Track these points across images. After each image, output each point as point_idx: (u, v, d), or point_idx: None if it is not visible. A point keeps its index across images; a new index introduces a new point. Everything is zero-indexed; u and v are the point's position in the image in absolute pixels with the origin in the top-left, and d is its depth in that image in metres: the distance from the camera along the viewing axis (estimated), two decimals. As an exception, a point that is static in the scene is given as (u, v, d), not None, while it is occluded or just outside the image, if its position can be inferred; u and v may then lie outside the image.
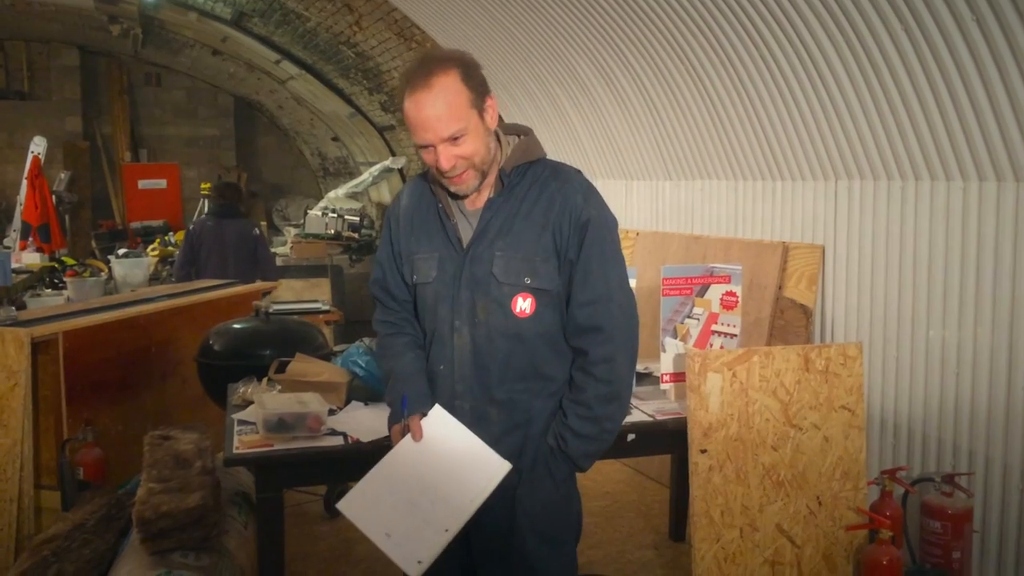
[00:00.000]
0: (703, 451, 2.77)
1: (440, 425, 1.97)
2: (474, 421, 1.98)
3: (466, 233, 2.01)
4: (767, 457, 2.82)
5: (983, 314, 2.96)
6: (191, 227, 6.23)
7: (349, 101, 9.67)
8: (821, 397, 2.87)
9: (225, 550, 2.75)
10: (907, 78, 2.98)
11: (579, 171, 2.09)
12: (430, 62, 1.88)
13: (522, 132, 2.08)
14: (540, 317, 1.98)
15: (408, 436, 1.96)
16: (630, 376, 2.04)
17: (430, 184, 2.06)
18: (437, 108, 1.84)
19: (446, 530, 1.87)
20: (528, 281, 1.96)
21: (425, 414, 1.99)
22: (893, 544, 2.76)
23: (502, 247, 1.97)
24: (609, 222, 2.02)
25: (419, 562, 1.83)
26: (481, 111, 1.91)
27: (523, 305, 1.96)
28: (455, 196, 2.00)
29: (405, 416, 1.98)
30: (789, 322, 3.79)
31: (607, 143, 5.20)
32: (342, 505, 1.93)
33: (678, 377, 2.97)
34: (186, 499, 2.61)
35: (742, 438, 2.80)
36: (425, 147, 1.90)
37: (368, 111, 9.59)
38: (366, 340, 3.63)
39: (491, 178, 2.01)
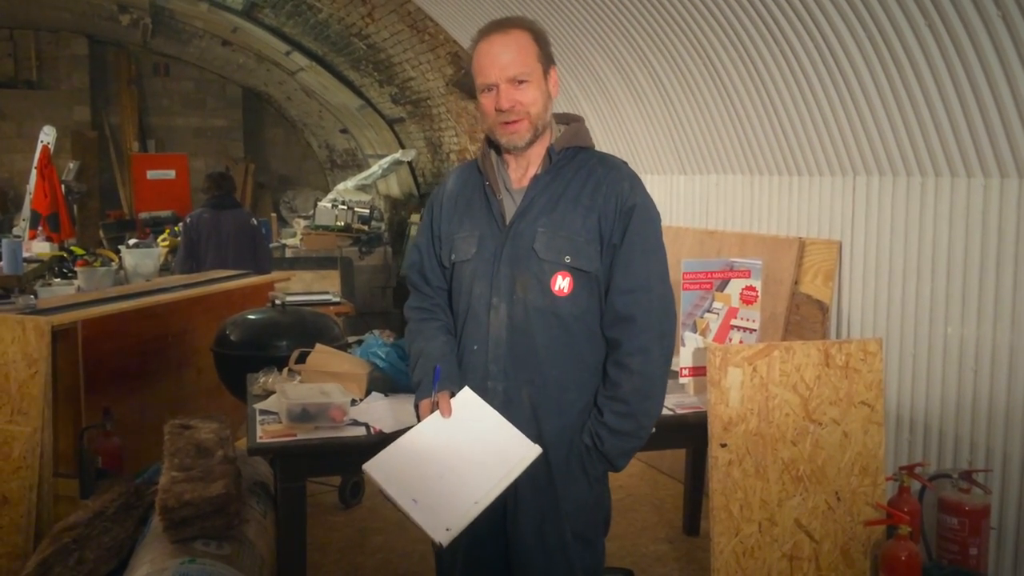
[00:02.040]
0: (723, 445, 2.78)
1: (469, 405, 1.96)
2: (506, 404, 1.97)
3: (510, 211, 2.03)
4: (786, 452, 2.83)
5: (1002, 311, 2.96)
6: (188, 220, 6.22)
7: (359, 93, 9.67)
8: (841, 392, 2.87)
9: (246, 539, 2.76)
10: (929, 73, 2.97)
11: (626, 162, 2.11)
12: (507, 19, 2.02)
13: (573, 120, 2.12)
14: (577, 298, 1.98)
15: (437, 412, 1.95)
16: (665, 370, 2.02)
17: (479, 165, 2.10)
18: (509, 49, 1.94)
19: (476, 502, 1.82)
20: (568, 260, 1.96)
21: (454, 394, 1.99)
22: (912, 540, 2.76)
23: (545, 224, 1.98)
24: (653, 214, 2.03)
25: (447, 529, 1.78)
26: (545, 71, 1.99)
27: (562, 284, 1.97)
28: (507, 149, 2.01)
29: (436, 391, 1.97)
30: (805, 318, 3.79)
31: (621, 137, 5.20)
32: (368, 466, 1.88)
33: (698, 371, 2.97)
34: (209, 488, 2.62)
35: (762, 433, 2.81)
36: (487, 90, 1.96)
37: (378, 103, 9.59)
38: (376, 332, 3.64)
39: (540, 151, 2.03)
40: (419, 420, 2.00)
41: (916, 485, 3.04)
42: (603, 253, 1.98)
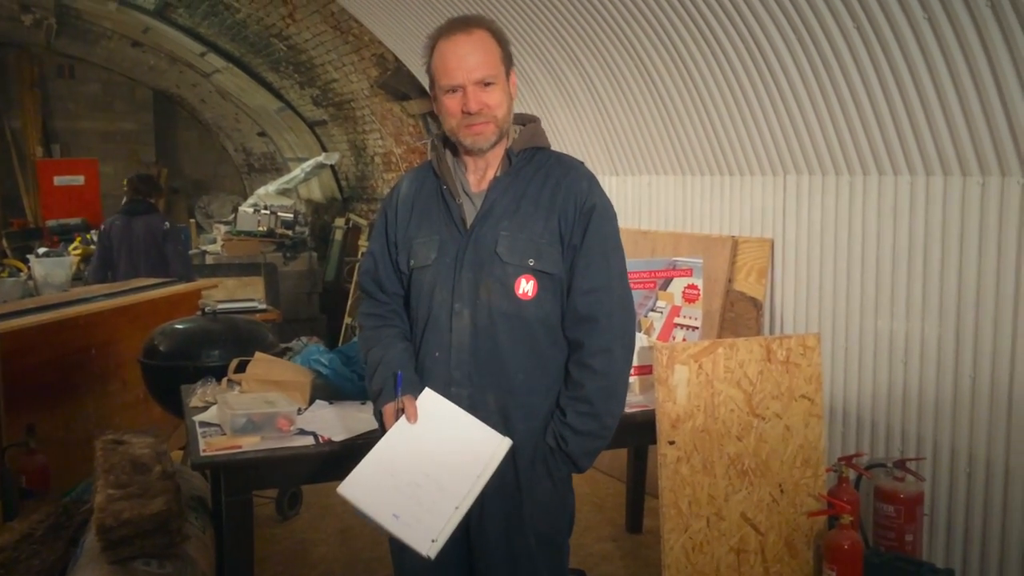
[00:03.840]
0: (671, 443, 2.81)
1: (434, 406, 1.93)
2: (470, 410, 1.94)
3: (470, 214, 2.00)
4: (732, 447, 2.87)
5: (930, 305, 3.06)
6: (102, 227, 6.02)
7: (279, 95, 9.47)
8: (783, 387, 2.93)
9: (188, 557, 2.66)
10: (857, 74, 3.06)
11: (582, 162, 2.10)
12: (468, 18, 1.98)
13: (529, 120, 2.10)
14: (541, 302, 1.96)
15: (403, 418, 1.91)
16: (627, 369, 2.03)
17: (433, 168, 2.06)
18: (476, 50, 1.91)
19: (456, 507, 1.80)
20: (532, 263, 1.94)
21: (417, 396, 1.95)
22: (853, 528, 2.84)
23: (508, 227, 1.96)
24: (611, 213, 2.03)
25: (433, 540, 1.75)
26: (507, 73, 1.97)
27: (526, 287, 1.95)
28: (471, 151, 1.98)
29: (399, 395, 1.93)
30: (740, 314, 3.86)
31: (552, 138, 5.19)
32: (343, 489, 1.83)
33: (643, 370, 2.99)
34: (148, 505, 2.52)
35: (708, 429, 2.85)
36: (452, 92, 1.92)
37: (299, 106, 9.41)
38: (303, 339, 3.57)
39: (499, 153, 2.01)
40: (382, 427, 1.96)
41: (854, 475, 3.12)
42: (564, 255, 1.97)
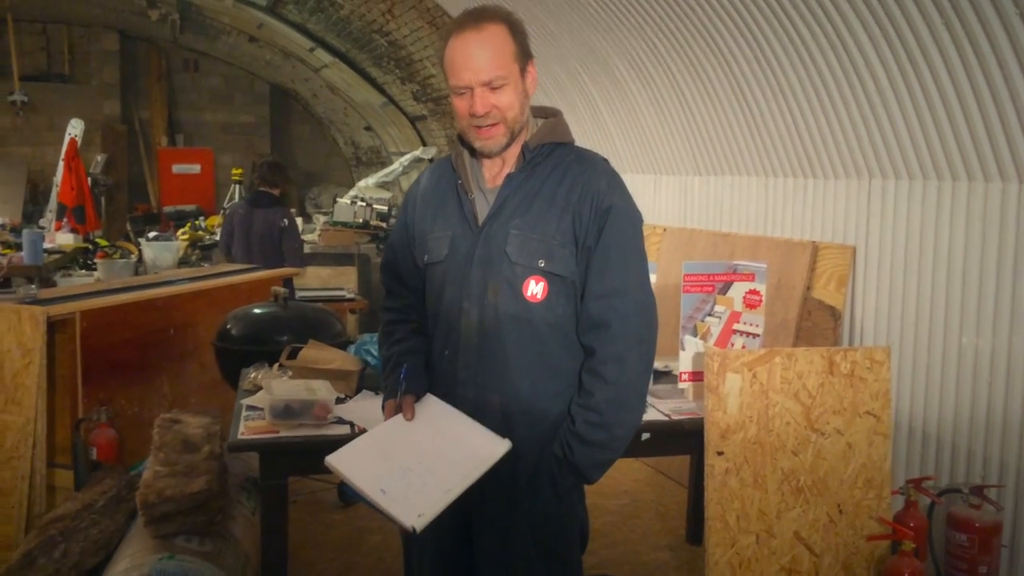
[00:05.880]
0: (720, 453, 2.69)
1: (434, 409, 1.90)
2: (475, 412, 1.89)
3: (483, 211, 1.93)
4: (786, 462, 2.74)
5: (1019, 321, 2.84)
6: (227, 210, 6.19)
7: (381, 90, 9.66)
8: (845, 402, 2.77)
9: (230, 535, 2.73)
10: (946, 74, 2.86)
11: (606, 160, 2.01)
12: (481, 11, 1.87)
13: (551, 114, 2.02)
14: (552, 305, 1.88)
15: (400, 415, 1.89)
16: (643, 379, 1.92)
17: (452, 163, 2.01)
18: (484, 50, 1.82)
19: (448, 490, 1.74)
20: (542, 264, 1.86)
21: (419, 397, 1.93)
22: (916, 557, 2.66)
23: (518, 225, 1.88)
24: (633, 215, 1.92)
25: (420, 515, 1.69)
26: (523, 70, 1.88)
27: (535, 289, 1.87)
28: (482, 154, 1.92)
29: (402, 391, 1.91)
30: (816, 324, 3.68)
31: (636, 136, 5.11)
32: (332, 458, 1.80)
33: (697, 376, 2.89)
34: (191, 483, 2.59)
35: (761, 441, 2.72)
36: (461, 92, 1.85)
37: (400, 100, 9.57)
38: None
39: (516, 150, 1.93)
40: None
41: (925, 500, 2.92)
42: (578, 257, 1.88)
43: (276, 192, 6.06)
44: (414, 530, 1.69)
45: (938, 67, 2.88)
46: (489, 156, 1.93)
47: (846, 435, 2.77)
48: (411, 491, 1.74)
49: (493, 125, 1.86)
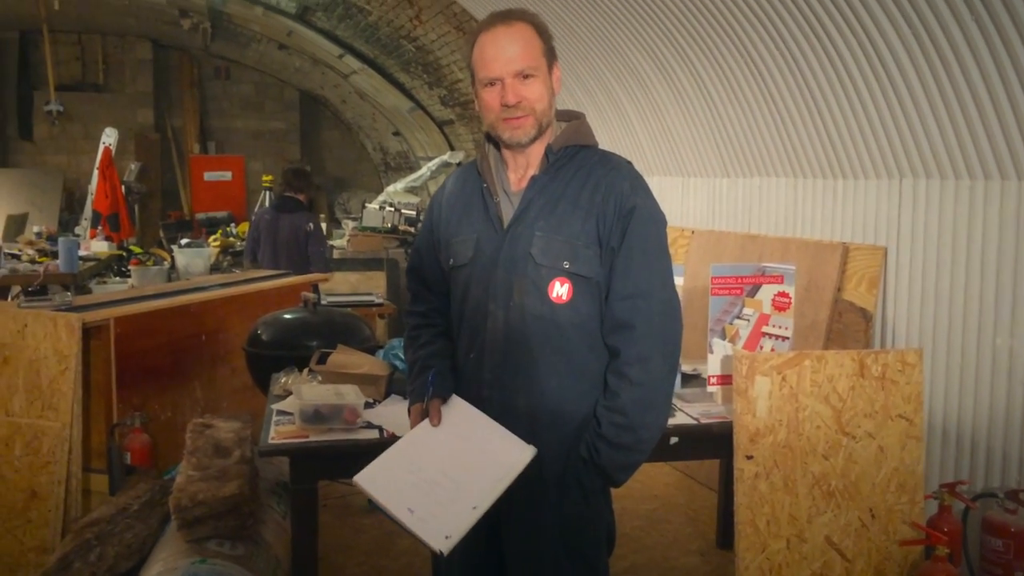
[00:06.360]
0: (749, 457, 2.68)
1: (461, 412, 1.91)
2: (501, 414, 1.90)
3: (508, 213, 1.95)
4: (817, 466, 2.71)
5: (1055, 322, 2.80)
6: (254, 217, 6.30)
7: (409, 95, 9.71)
8: (877, 405, 2.74)
9: (262, 540, 2.75)
10: (977, 72, 2.83)
11: (629, 162, 2.02)
12: (509, 11, 1.93)
13: (574, 117, 2.04)
14: (577, 306, 1.89)
15: (427, 420, 1.90)
16: (668, 380, 1.92)
17: (477, 167, 2.03)
18: (515, 42, 1.87)
19: (474, 507, 1.76)
20: (567, 265, 1.87)
21: (446, 400, 1.94)
22: (950, 562, 2.62)
23: (543, 227, 1.89)
24: (656, 216, 1.93)
25: (447, 537, 1.71)
26: (550, 67, 1.93)
27: (560, 291, 1.88)
28: (510, 145, 1.93)
29: (429, 396, 1.92)
30: (847, 326, 3.65)
31: (664, 138, 5.09)
32: (359, 478, 1.82)
33: (725, 380, 2.87)
34: (223, 488, 2.62)
35: (791, 445, 2.70)
36: (491, 83, 1.89)
37: (428, 105, 9.61)
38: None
39: (540, 150, 1.95)
40: (411, 427, 1.96)
41: (959, 505, 2.88)
42: (603, 258, 1.89)
43: (302, 198, 6.16)
44: (441, 553, 1.72)
45: (969, 64, 2.84)
46: (517, 148, 1.94)
47: (878, 439, 2.74)
48: (439, 507, 1.76)
49: (523, 116, 1.89)
